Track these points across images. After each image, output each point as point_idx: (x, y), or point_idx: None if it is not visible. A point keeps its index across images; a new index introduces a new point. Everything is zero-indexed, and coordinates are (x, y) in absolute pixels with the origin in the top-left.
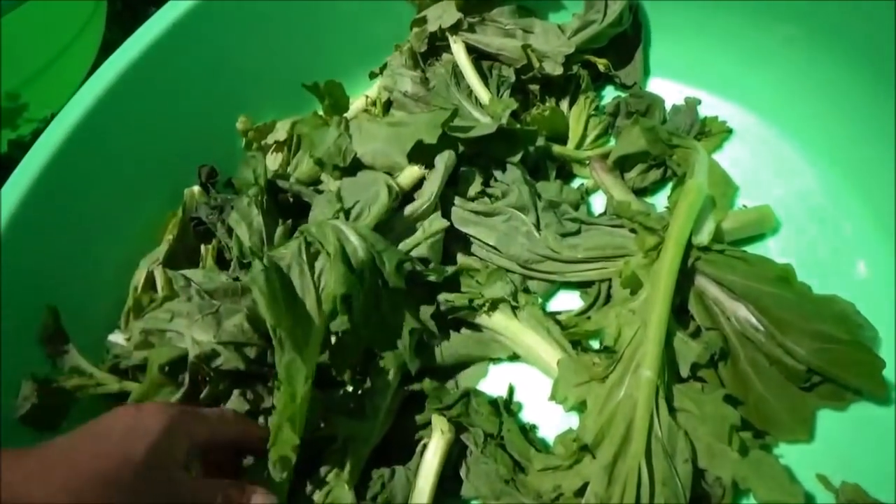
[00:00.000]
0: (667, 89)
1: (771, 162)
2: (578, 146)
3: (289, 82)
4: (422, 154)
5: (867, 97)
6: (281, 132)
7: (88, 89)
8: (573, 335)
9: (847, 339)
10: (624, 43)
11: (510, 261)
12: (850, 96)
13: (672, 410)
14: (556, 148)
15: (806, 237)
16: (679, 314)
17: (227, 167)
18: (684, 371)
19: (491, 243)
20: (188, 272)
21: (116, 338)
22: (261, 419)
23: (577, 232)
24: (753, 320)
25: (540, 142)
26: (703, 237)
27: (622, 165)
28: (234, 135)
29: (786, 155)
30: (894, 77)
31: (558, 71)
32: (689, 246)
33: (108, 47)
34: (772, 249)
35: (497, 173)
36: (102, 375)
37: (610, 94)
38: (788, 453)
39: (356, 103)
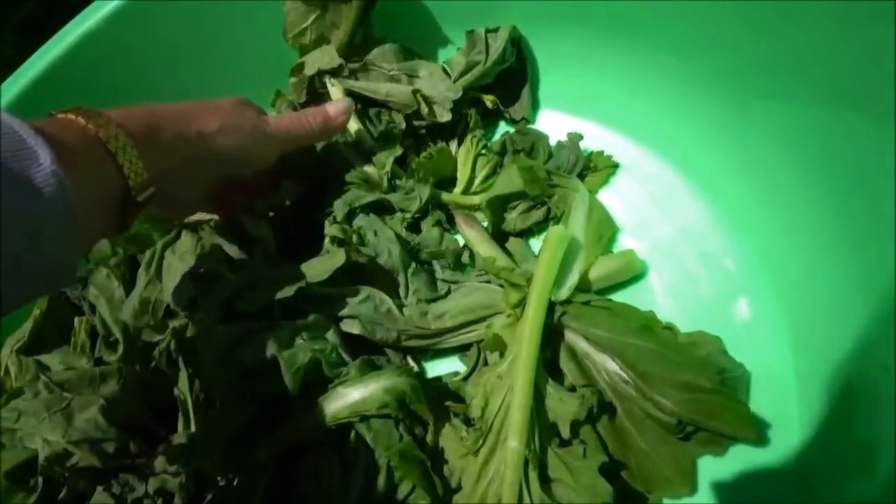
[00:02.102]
0: (557, 122)
1: (658, 196)
2: (467, 188)
3: None
4: None
5: (744, 132)
6: None
7: None
8: (454, 408)
9: (710, 387)
10: (511, 77)
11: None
12: (728, 130)
13: (547, 481)
14: (444, 195)
15: (689, 274)
16: (554, 372)
17: None
18: (565, 431)
19: (356, 332)
20: (45, 358)
21: None
22: None
23: (447, 294)
24: (623, 374)
25: (426, 190)
26: (563, 292)
27: (503, 206)
28: None
29: (672, 189)
30: (773, 111)
31: (447, 117)
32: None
33: None
34: (656, 288)
35: (370, 233)
36: None
37: (503, 129)
38: None
39: None
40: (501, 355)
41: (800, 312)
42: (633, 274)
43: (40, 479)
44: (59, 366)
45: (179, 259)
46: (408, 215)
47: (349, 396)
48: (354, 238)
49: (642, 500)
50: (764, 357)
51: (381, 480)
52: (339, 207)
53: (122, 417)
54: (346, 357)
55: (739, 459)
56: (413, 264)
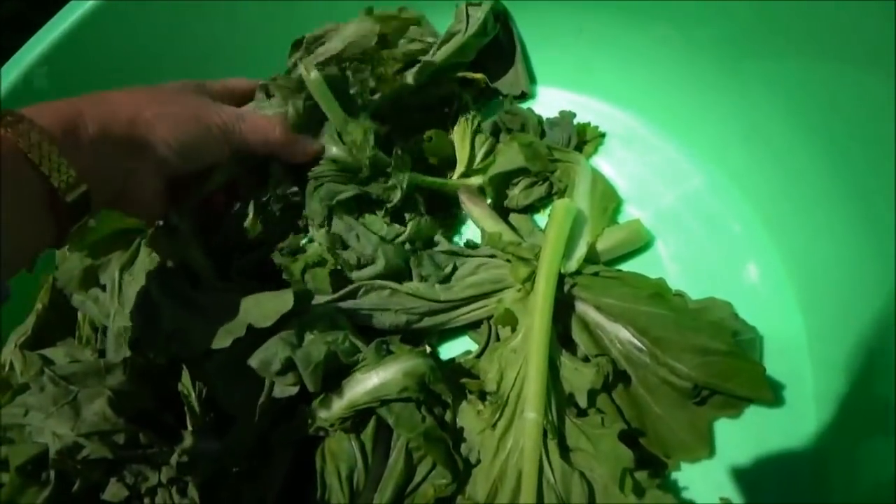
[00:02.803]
0: (553, 97)
1: (659, 165)
2: (468, 167)
3: None
4: None
5: (742, 96)
6: None
7: None
8: (469, 385)
9: (725, 349)
10: (500, 53)
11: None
12: (726, 96)
13: (567, 450)
14: (424, 179)
15: (696, 240)
16: (567, 344)
17: None
18: (582, 401)
19: (362, 323)
20: (49, 352)
21: None
22: (146, 500)
23: (454, 270)
24: (636, 342)
25: (405, 178)
26: (572, 264)
27: (505, 183)
28: None
29: (673, 157)
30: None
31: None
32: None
33: None
34: (663, 256)
35: (351, 236)
36: None
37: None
38: (693, 476)
39: None
40: (513, 330)
41: (808, 273)
42: (640, 243)
43: (52, 473)
44: (63, 359)
45: (134, 281)
46: (389, 206)
47: (368, 382)
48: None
49: (661, 465)
50: (775, 319)
51: (401, 462)
52: (317, 210)
53: (130, 408)
54: (359, 343)
55: (753, 424)
56: (413, 259)
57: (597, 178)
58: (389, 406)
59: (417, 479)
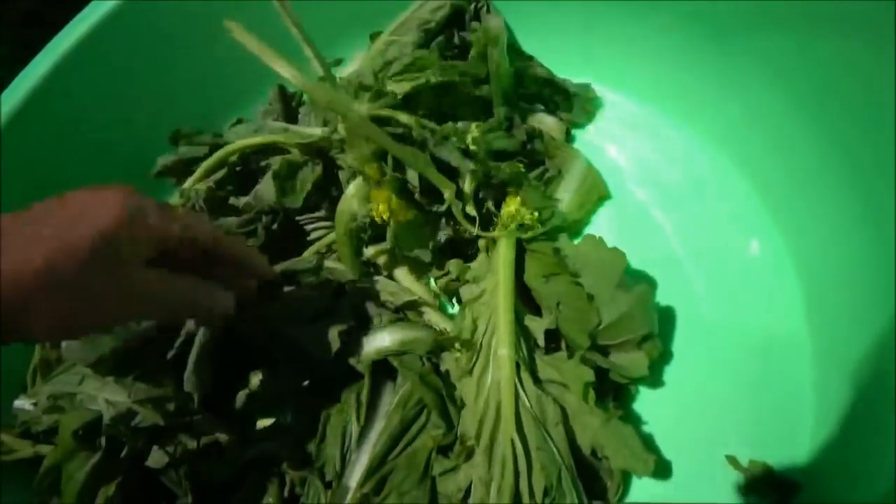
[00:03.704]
0: None
1: (664, 149)
2: None
3: None
4: None
5: (744, 79)
6: None
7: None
8: (444, 340)
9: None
10: None
11: None
12: (728, 79)
13: (539, 382)
14: None
15: (699, 218)
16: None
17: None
18: (541, 340)
19: None
20: None
21: (22, 403)
22: (183, 467)
23: None
24: None
25: None
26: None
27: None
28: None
29: (677, 141)
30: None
31: None
32: None
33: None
34: (670, 235)
35: None
36: (13, 441)
37: None
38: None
39: None
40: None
41: (808, 250)
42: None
43: (103, 440)
44: None
45: None
46: None
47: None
48: None
49: (622, 389)
50: (774, 293)
51: (396, 417)
52: None
53: (179, 378)
54: None
55: (749, 387)
56: None
57: (588, 174)
58: (402, 357)
59: (414, 431)
